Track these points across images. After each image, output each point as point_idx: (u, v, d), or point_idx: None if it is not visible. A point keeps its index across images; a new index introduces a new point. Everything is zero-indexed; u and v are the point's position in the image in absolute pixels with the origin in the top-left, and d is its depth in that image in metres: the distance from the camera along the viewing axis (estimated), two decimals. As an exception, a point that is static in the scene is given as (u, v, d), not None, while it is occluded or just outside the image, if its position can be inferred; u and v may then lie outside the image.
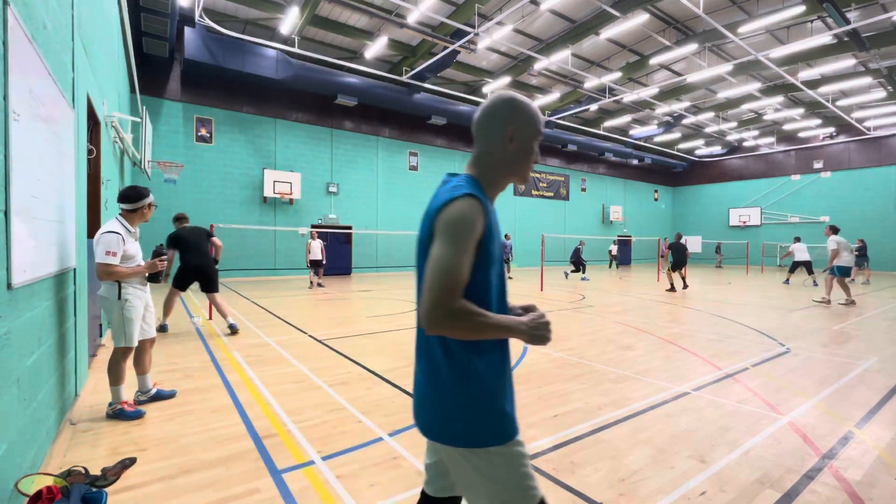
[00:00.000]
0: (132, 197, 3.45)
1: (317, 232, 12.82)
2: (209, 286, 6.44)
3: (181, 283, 6.44)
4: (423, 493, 1.46)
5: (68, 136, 3.27)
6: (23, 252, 2.10)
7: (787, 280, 15.41)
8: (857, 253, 15.87)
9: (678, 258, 12.38)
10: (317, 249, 12.62)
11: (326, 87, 15.84)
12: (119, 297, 3.35)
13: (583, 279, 16.49)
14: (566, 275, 16.87)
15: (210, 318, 7.53)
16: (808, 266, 14.02)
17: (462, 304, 1.06)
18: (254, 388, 4.04)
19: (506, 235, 16.38)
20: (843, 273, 9.55)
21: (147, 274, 3.55)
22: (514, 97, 1.27)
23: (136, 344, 3.47)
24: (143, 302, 3.56)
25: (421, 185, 19.99)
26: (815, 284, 14.54)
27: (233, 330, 6.32)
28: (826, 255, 9.89)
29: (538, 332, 1.19)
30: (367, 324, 7.31)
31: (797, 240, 14.81)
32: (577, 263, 16.30)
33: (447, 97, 19.19)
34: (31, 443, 2.27)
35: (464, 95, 18.79)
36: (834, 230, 9.94)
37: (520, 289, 13.07)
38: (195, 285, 6.67)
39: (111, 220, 3.43)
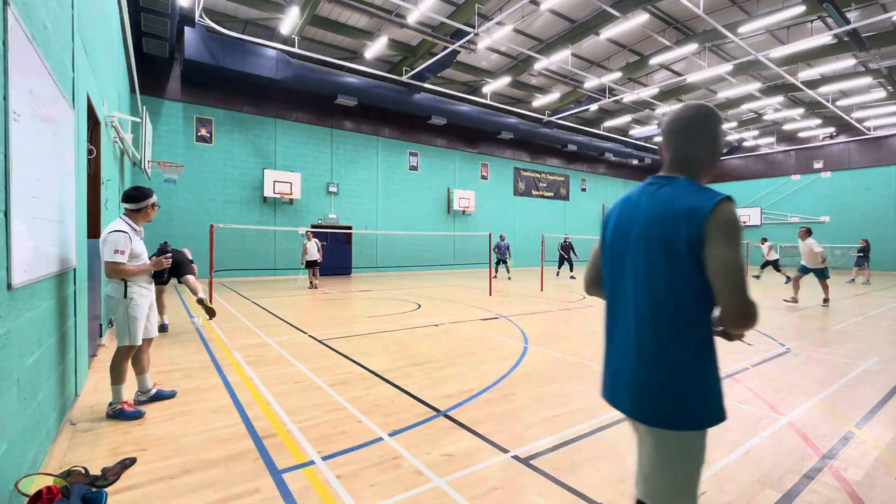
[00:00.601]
0: (136, 197, 3.49)
1: (312, 232, 12.82)
2: (181, 272, 6.50)
3: (162, 278, 6.52)
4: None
5: (68, 136, 3.27)
6: (23, 252, 2.10)
7: (788, 279, 15.47)
8: (860, 254, 16.05)
9: None
10: (313, 250, 12.62)
11: (326, 87, 15.84)
12: (125, 296, 3.38)
13: (558, 275, 17.43)
14: (564, 278, 17.19)
15: (210, 319, 7.53)
16: (776, 264, 14.98)
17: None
18: (254, 388, 4.04)
19: (501, 236, 16.61)
20: (805, 272, 10.01)
21: (153, 272, 3.57)
22: (712, 109, 1.40)
23: (139, 343, 3.48)
24: (148, 301, 3.58)
25: (421, 185, 19.99)
26: (788, 280, 15.10)
27: (203, 304, 6.08)
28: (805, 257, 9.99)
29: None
30: (367, 324, 7.31)
31: (765, 240, 15.85)
32: (564, 259, 17.09)
33: (447, 97, 19.18)
34: (31, 443, 2.27)
35: (464, 95, 18.78)
36: (809, 232, 10.04)
37: (520, 289, 13.07)
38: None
39: (116, 220, 3.45)
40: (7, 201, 1.91)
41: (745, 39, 14.37)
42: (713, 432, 3.10)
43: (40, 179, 2.42)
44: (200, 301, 6.17)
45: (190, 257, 6.87)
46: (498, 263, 16.29)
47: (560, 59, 15.61)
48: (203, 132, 14.89)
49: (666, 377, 1.29)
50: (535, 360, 5.07)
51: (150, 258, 3.76)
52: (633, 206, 1.43)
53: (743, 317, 1.21)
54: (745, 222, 27.90)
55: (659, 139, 1.42)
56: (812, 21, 13.95)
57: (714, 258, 1.22)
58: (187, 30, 12.91)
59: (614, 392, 1.44)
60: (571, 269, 17.20)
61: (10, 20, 1.92)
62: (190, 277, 6.55)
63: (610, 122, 22.68)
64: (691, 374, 1.28)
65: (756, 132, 25.35)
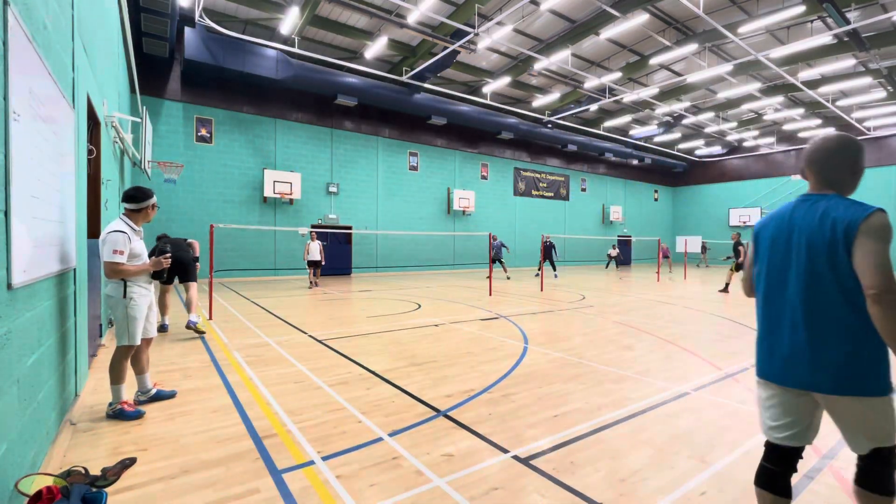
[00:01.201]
0: (137, 197, 3.51)
1: (316, 233, 12.85)
2: (186, 275, 6.51)
3: (167, 278, 6.50)
4: (781, 450, 1.75)
5: (68, 136, 3.27)
6: (23, 252, 2.10)
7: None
8: None
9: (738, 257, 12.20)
10: (315, 250, 12.66)
11: (326, 87, 15.84)
12: (124, 296, 3.38)
13: (556, 276, 17.44)
14: (563, 278, 17.35)
15: (210, 318, 7.53)
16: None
17: None
18: (254, 388, 4.04)
19: (493, 237, 16.49)
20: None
21: (152, 272, 3.57)
22: (852, 138, 1.66)
23: (139, 342, 3.49)
24: (148, 301, 3.58)
25: (421, 185, 19.99)
26: None
27: (193, 326, 6.13)
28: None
29: None
30: (367, 324, 7.31)
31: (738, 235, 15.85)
32: (549, 258, 17.01)
33: (447, 97, 19.19)
34: (31, 443, 2.27)
35: (464, 95, 18.79)
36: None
37: (520, 289, 13.07)
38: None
39: (116, 220, 3.45)
40: (7, 201, 1.91)
41: (745, 39, 14.38)
42: (712, 432, 3.12)
43: (40, 179, 2.42)
44: (189, 326, 6.15)
45: (196, 254, 6.79)
46: (494, 262, 16.32)
47: (560, 59, 15.61)
48: (203, 132, 14.89)
49: (854, 354, 1.51)
50: (535, 360, 5.07)
51: (149, 257, 3.76)
52: (789, 217, 1.71)
53: (885, 287, 1.40)
54: (744, 222, 27.89)
55: (801, 165, 1.83)
56: (812, 21, 13.96)
57: (861, 248, 1.47)
58: (187, 30, 12.91)
59: (789, 372, 1.64)
60: (540, 268, 15.44)
61: (10, 20, 1.92)
62: (192, 287, 6.47)
63: (610, 122, 22.68)
64: (875, 345, 1.51)
65: (756, 132, 25.36)
